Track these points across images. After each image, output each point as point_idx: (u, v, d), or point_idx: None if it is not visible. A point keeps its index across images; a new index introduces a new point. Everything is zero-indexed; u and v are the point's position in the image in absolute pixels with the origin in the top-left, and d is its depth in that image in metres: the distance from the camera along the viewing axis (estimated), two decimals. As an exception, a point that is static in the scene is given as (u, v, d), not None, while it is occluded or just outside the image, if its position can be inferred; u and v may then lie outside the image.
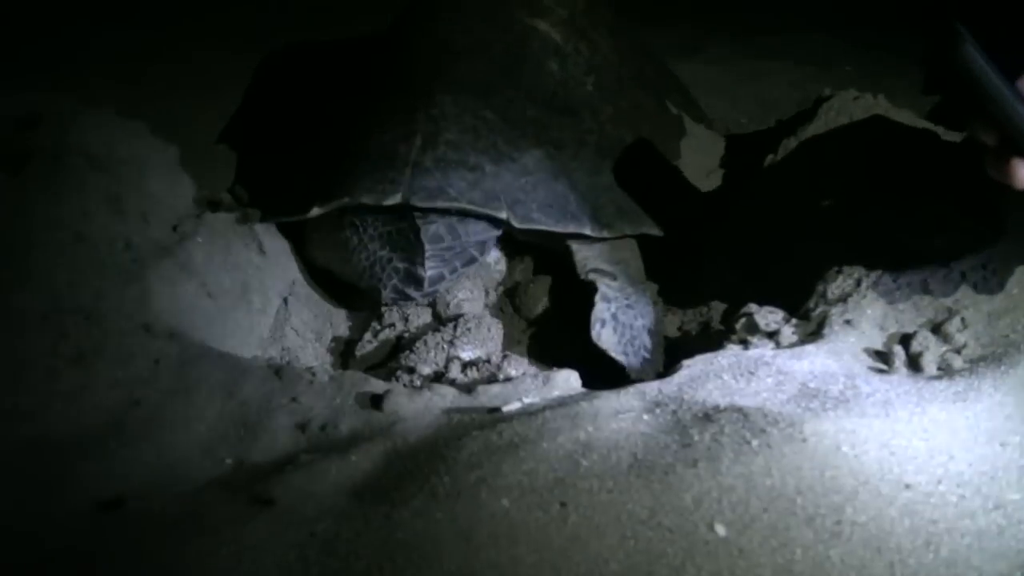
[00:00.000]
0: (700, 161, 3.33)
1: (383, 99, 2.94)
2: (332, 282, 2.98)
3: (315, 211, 2.73)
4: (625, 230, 2.86)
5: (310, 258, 2.99)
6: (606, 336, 2.60)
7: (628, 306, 2.69)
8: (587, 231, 2.78)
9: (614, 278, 2.77)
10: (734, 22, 5.40)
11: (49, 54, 4.04)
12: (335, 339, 2.84)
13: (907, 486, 1.51)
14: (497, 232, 2.84)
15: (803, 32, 5.22)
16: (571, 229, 2.77)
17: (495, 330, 2.76)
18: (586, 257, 2.85)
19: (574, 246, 2.88)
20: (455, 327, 2.70)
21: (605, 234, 2.81)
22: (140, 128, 2.95)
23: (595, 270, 2.79)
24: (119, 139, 2.81)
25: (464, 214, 2.72)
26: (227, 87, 3.96)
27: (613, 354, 2.56)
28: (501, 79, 2.95)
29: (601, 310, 2.64)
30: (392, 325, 2.79)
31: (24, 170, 2.46)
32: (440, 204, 2.64)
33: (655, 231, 2.91)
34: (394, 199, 2.62)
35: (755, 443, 1.58)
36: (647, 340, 2.67)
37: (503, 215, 2.68)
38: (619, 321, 2.64)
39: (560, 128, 2.94)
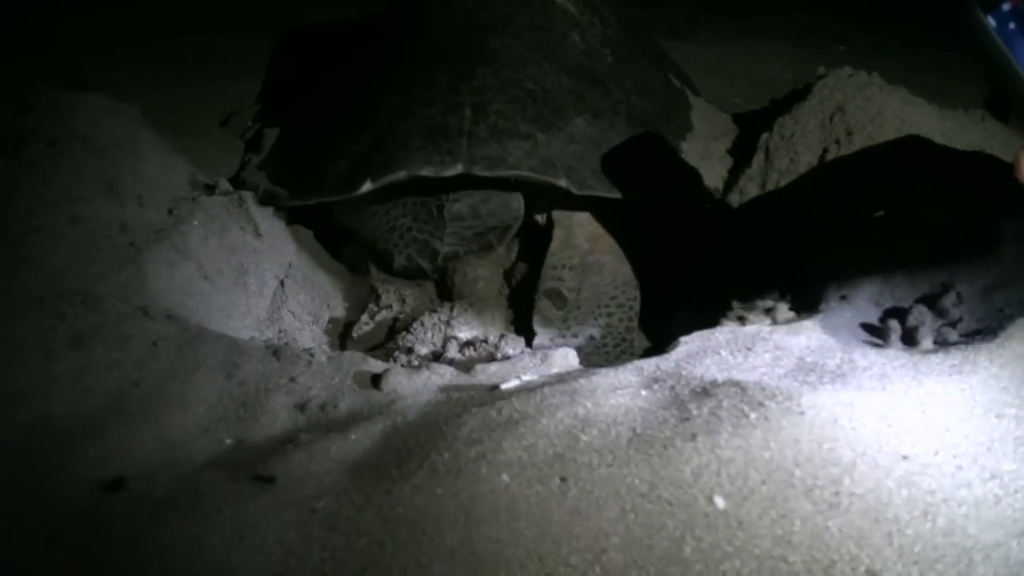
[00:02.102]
0: (709, 130, 3.39)
1: (415, 76, 2.95)
2: (330, 263, 2.99)
3: (367, 186, 2.72)
4: (666, 199, 2.90)
5: (335, 218, 3.01)
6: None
7: (572, 335, 2.75)
8: (637, 198, 2.82)
9: (564, 303, 2.80)
10: (728, 2, 5.39)
11: (43, 40, 4.02)
12: (332, 321, 2.85)
13: (904, 457, 1.52)
14: (517, 219, 2.86)
15: (797, 12, 5.21)
16: (622, 195, 2.80)
17: (496, 311, 2.78)
18: (557, 261, 2.88)
19: (559, 235, 2.91)
20: (452, 307, 2.71)
21: (651, 201, 2.85)
22: (135, 112, 2.95)
23: (549, 291, 2.83)
24: (114, 123, 2.82)
25: (510, 184, 2.75)
26: (227, 71, 3.95)
27: None
28: (531, 51, 3.00)
29: None
30: (389, 306, 2.80)
31: (19, 154, 2.46)
32: (501, 172, 2.66)
33: (692, 200, 2.97)
34: (454, 170, 2.64)
35: (753, 416, 1.59)
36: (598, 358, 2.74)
37: (562, 182, 2.71)
38: None
39: (594, 98, 2.99)
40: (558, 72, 2.98)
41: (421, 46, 3.07)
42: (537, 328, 2.73)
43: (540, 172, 2.69)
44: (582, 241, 2.90)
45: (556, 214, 2.95)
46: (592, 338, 2.77)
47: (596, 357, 2.73)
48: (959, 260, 2.09)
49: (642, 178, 2.87)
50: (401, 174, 2.68)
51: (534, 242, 3.03)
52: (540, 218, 2.99)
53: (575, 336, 2.76)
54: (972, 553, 1.36)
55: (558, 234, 2.92)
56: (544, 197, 2.87)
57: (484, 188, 2.77)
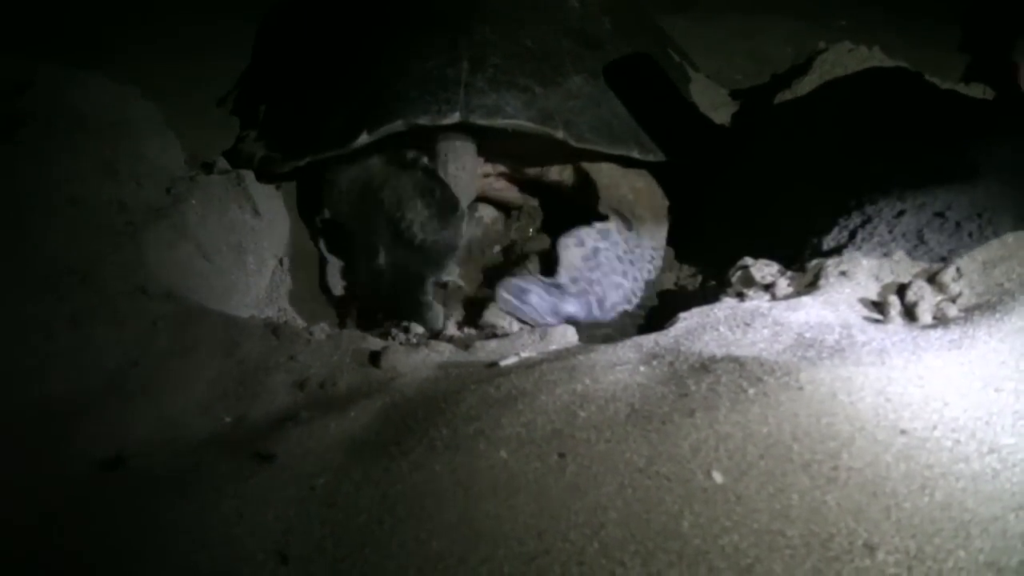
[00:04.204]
0: (709, 102, 3.42)
1: (412, 33, 2.96)
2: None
3: (363, 138, 2.70)
4: (665, 156, 2.91)
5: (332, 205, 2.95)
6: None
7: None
8: (635, 154, 2.84)
9: (628, 225, 2.82)
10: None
11: (39, 19, 4.00)
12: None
13: (902, 432, 1.52)
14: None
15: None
16: (620, 151, 2.82)
17: None
18: (607, 201, 2.88)
19: (602, 181, 2.93)
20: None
21: (650, 158, 2.87)
22: (132, 91, 2.94)
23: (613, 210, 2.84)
24: (111, 102, 2.81)
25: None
26: (226, 50, 3.91)
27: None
28: (529, 12, 3.01)
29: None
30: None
31: (16, 134, 2.46)
32: (499, 122, 2.66)
33: (688, 160, 2.97)
34: (452, 118, 2.64)
35: (751, 392, 1.59)
36: (617, 297, 2.69)
37: (559, 134, 2.71)
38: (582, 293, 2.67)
39: (592, 59, 3.00)
40: (557, 33, 3.00)
41: (417, 8, 3.08)
42: (564, 263, 2.64)
43: (538, 123, 2.69)
44: (627, 192, 2.93)
45: (589, 167, 2.96)
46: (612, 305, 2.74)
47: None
48: (960, 235, 2.09)
49: (640, 135, 2.88)
50: (398, 123, 2.67)
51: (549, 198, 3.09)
52: (562, 175, 3.01)
53: (606, 269, 2.72)
54: (970, 527, 1.36)
55: (602, 180, 2.94)
56: (543, 153, 2.89)
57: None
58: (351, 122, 2.77)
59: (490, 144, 2.85)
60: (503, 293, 2.48)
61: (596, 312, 2.62)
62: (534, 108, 2.71)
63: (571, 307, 2.55)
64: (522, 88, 2.74)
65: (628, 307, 2.72)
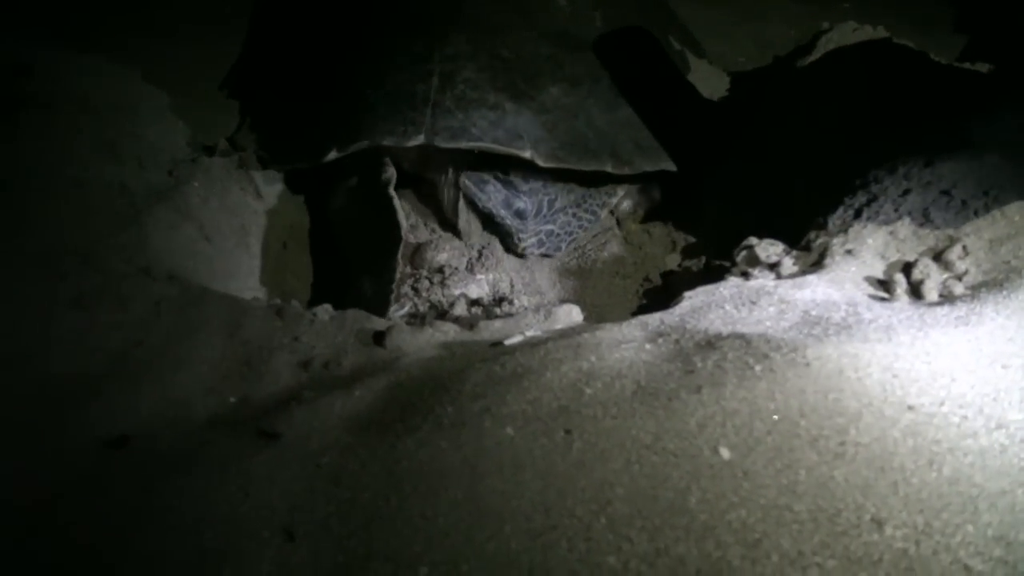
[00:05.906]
0: (710, 88, 3.37)
1: (393, 40, 2.92)
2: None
3: (332, 155, 2.70)
4: (644, 167, 2.87)
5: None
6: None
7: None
8: (608, 168, 2.79)
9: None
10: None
11: (43, 5, 3.98)
12: (335, 282, 2.83)
13: (910, 408, 1.52)
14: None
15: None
16: (592, 167, 2.78)
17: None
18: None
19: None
20: (442, 270, 2.70)
21: (626, 171, 2.83)
22: (133, 74, 2.93)
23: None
24: (112, 85, 2.79)
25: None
26: (221, 32, 3.90)
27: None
28: (513, 16, 2.95)
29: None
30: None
31: (18, 116, 2.44)
32: (464, 144, 2.63)
33: (671, 166, 2.91)
34: (416, 140, 2.61)
35: (758, 368, 1.58)
36: (568, 201, 2.91)
37: (527, 154, 2.67)
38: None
39: (574, 64, 2.95)
40: (537, 38, 2.94)
41: (403, 9, 3.03)
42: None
43: (504, 144, 2.66)
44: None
45: None
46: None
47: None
48: (966, 213, 2.08)
49: (618, 146, 2.85)
50: (363, 143, 2.66)
51: None
52: None
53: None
54: (977, 501, 1.36)
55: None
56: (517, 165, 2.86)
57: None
58: (325, 135, 2.77)
59: (468, 155, 2.81)
60: (466, 181, 2.78)
61: (545, 211, 2.84)
62: (501, 128, 2.67)
63: (522, 202, 2.79)
64: (491, 106, 2.70)
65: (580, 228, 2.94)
